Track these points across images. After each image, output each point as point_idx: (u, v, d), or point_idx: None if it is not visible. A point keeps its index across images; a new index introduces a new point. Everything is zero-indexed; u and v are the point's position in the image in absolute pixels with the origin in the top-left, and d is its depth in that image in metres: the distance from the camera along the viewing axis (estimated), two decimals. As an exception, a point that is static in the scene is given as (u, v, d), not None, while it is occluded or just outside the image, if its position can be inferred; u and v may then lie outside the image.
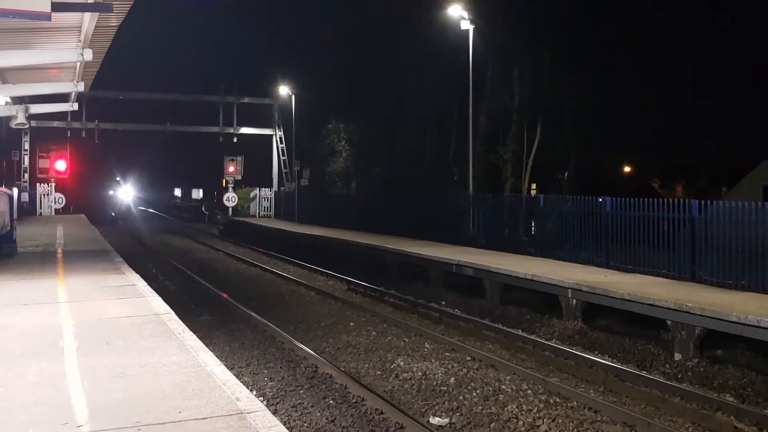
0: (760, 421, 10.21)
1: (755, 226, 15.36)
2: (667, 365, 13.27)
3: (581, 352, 14.00)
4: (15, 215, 25.24)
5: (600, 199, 20.03)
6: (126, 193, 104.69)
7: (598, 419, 10.30)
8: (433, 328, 16.68)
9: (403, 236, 29.52)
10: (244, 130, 54.74)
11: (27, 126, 29.78)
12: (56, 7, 8.97)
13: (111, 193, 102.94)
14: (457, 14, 32.06)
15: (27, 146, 47.34)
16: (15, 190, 28.52)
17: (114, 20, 12.41)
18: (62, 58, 13.92)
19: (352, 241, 29.85)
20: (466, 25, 31.64)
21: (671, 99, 62.56)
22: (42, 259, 21.15)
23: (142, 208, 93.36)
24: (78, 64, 15.03)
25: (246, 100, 54.75)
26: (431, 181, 44.63)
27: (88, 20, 12.10)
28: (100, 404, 7.16)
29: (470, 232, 26.34)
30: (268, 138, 56.15)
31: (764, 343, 12.09)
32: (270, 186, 56.34)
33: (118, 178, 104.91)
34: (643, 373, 12.56)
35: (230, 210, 53.61)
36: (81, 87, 18.14)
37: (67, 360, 8.99)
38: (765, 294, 14.49)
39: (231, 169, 54.45)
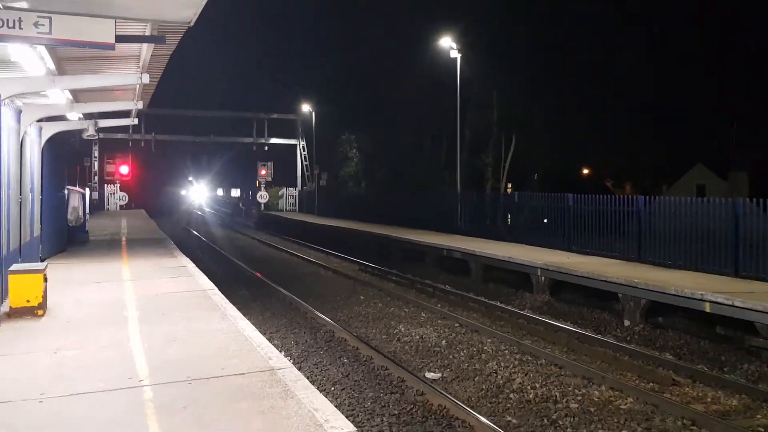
0: (693, 374, 10.28)
1: (688, 217, 15.46)
2: (618, 330, 13.32)
3: (549, 320, 14.07)
4: (87, 210, 25.34)
5: (564, 196, 20.08)
6: (199, 192, 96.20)
7: (562, 373, 10.35)
8: (428, 301, 16.74)
9: (403, 227, 29.53)
10: (274, 140, 54.96)
11: (96, 137, 29.85)
12: (119, 39, 9.01)
13: (183, 192, 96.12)
14: (447, 45, 32.50)
15: (96, 154, 47.52)
16: (87, 190, 28.57)
17: (166, 50, 12.46)
18: (125, 81, 13.95)
19: (362, 231, 29.89)
20: (455, 54, 32.14)
21: (623, 114, 62.52)
22: (109, 246, 21.25)
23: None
24: (137, 86, 15.06)
25: (275, 116, 55.05)
26: (426, 182, 44.68)
27: (145, 50, 12.13)
28: (157, 363, 7.25)
29: (458, 223, 26.37)
30: (293, 147, 56.29)
31: (696, 311, 12.13)
32: (295, 186, 56.53)
33: (190, 179, 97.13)
34: (599, 337, 12.66)
35: (262, 205, 53.93)
36: (140, 105, 18.14)
37: (130, 327, 9.08)
38: (697, 272, 14.56)
39: (263, 172, 55.07)
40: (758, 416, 8.57)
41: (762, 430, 8.02)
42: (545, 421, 8.40)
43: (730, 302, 11.29)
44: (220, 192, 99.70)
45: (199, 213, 70.85)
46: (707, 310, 11.75)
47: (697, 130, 64.00)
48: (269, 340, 9.22)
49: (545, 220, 21.00)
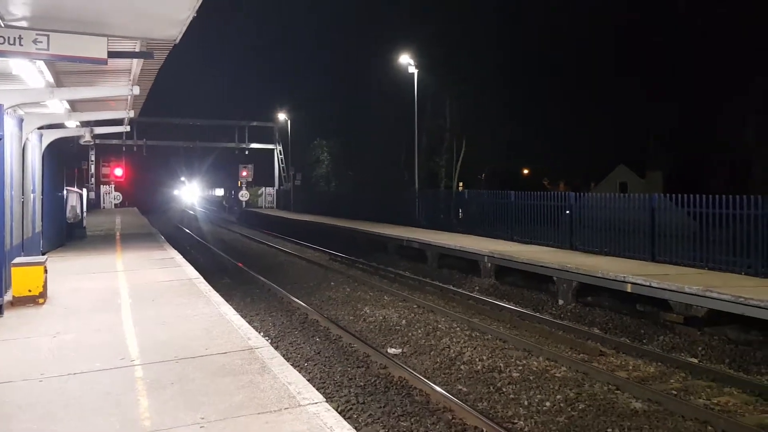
0: (617, 345, 10.45)
1: (612, 210, 15.71)
2: (553, 308, 13.45)
3: (494, 300, 14.17)
4: (84, 208, 24.89)
5: (507, 193, 20.24)
6: (191, 192, 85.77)
7: (506, 347, 10.43)
8: (390, 285, 16.72)
9: (369, 221, 29.52)
10: (254, 145, 54.65)
11: (92, 143, 29.24)
12: (111, 55, 8.87)
13: (176, 192, 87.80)
14: (406, 62, 32.73)
15: (93, 157, 46.66)
16: (84, 190, 28.03)
17: (155, 64, 12.30)
18: (117, 92, 13.71)
19: (332, 225, 29.79)
20: (412, 70, 32.41)
21: (558, 120, 63.40)
22: (105, 240, 20.89)
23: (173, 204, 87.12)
24: (129, 97, 14.81)
25: (254, 123, 54.73)
26: (388, 182, 44.82)
27: (135, 64, 11.95)
28: (147, 344, 7.15)
29: (417, 218, 26.43)
30: (271, 151, 55.96)
31: (619, 291, 12.32)
32: (272, 185, 56.18)
33: (182, 179, 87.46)
34: (537, 314, 12.77)
35: (244, 203, 53.58)
36: (132, 114, 17.90)
37: (123, 312, 8.95)
38: (620, 257, 14.79)
39: (244, 173, 54.79)
40: (671, 381, 8.75)
41: (675, 392, 8.19)
42: (491, 388, 8.47)
43: (648, 283, 11.50)
44: (210, 192, 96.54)
45: (190, 211, 69.54)
46: (629, 290, 11.94)
47: (620, 134, 65.10)
48: (249, 322, 9.16)
49: (491, 214, 21.15)
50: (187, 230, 38.98)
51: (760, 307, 9.47)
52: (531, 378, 8.82)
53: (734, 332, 10.42)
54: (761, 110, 42.20)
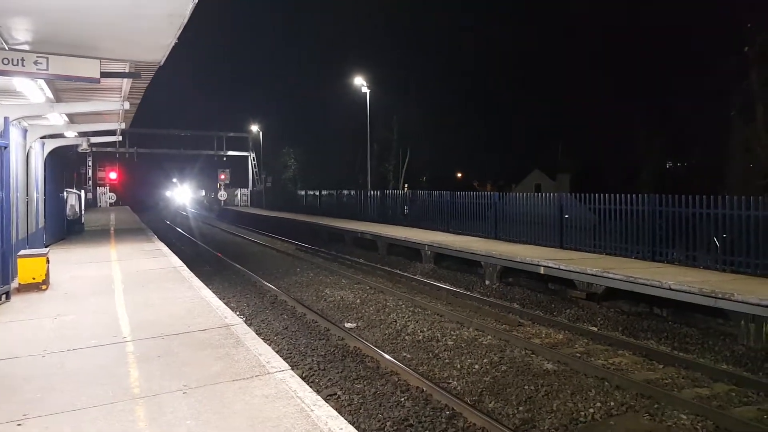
0: (533, 318, 10.62)
1: (529, 207, 15.96)
2: (481, 288, 13.58)
3: (433, 282, 14.23)
4: (83, 207, 24.10)
5: (443, 193, 20.41)
6: (183, 194, 75.16)
7: (443, 320, 10.52)
8: (346, 270, 16.69)
9: (329, 216, 29.40)
10: (230, 152, 54.11)
11: (89, 150, 28.33)
12: (103, 75, 8.61)
13: (168, 194, 79.34)
14: (359, 83, 32.65)
15: (90, 163, 45.26)
16: (82, 192, 27.10)
17: (142, 83, 11.99)
18: (110, 107, 13.30)
19: (298, 220, 29.54)
20: (365, 89, 32.31)
21: (484, 132, 64.58)
22: (101, 234, 20.26)
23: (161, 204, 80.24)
24: (120, 111, 14.39)
25: (231, 134, 54.25)
26: (345, 183, 44.77)
27: (125, 83, 11.62)
28: (137, 323, 6.99)
29: (369, 214, 26.43)
30: (245, 157, 55.40)
31: (534, 273, 12.50)
32: (247, 186, 55.52)
33: (174, 180, 78.89)
34: (468, 293, 12.88)
35: (222, 202, 52.75)
36: (123, 125, 17.36)
37: (116, 296, 8.71)
38: (535, 245, 15.05)
39: (222, 176, 54.16)
40: (576, 345, 8.97)
41: (579, 355, 8.39)
42: (430, 354, 8.54)
43: (557, 266, 11.73)
44: (199, 193, 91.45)
45: (179, 210, 67.53)
46: (542, 272, 12.16)
47: (534, 143, 66.70)
48: (226, 304, 9.01)
49: (431, 211, 21.30)
50: (172, 225, 38.09)
51: (646, 285, 9.79)
52: (463, 345, 8.91)
53: (626, 305, 10.75)
54: (647, 124, 43.71)
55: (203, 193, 75.07)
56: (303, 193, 38.22)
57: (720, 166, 29.64)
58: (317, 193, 34.14)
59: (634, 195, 12.65)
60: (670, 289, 9.35)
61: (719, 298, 8.64)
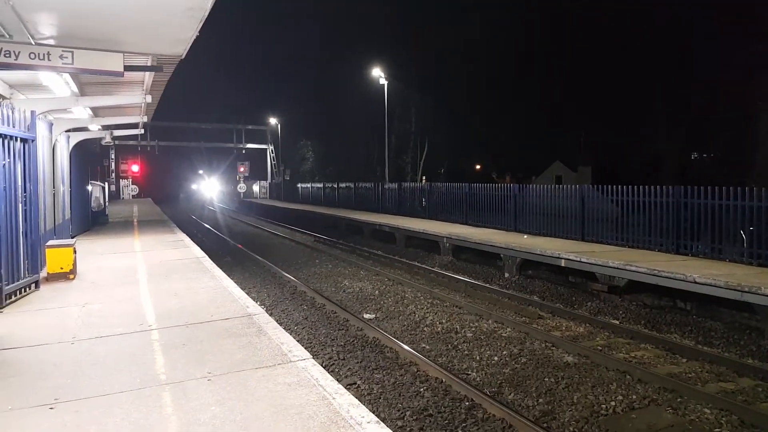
0: (553, 310, 10.61)
1: (549, 199, 15.85)
2: (501, 280, 13.60)
3: (452, 274, 14.24)
4: (107, 199, 24.52)
5: (461, 185, 20.34)
6: (210, 187, 68.07)
7: (461, 312, 10.54)
8: (365, 262, 16.78)
9: (347, 209, 29.52)
10: (250, 145, 54.35)
11: (112, 143, 28.72)
12: (126, 68, 8.73)
13: (194, 187, 74.13)
14: (377, 75, 32.56)
15: (113, 156, 45.98)
16: (106, 184, 27.58)
17: (164, 77, 12.12)
18: (132, 100, 13.49)
19: (316, 212, 29.72)
20: (383, 81, 32.23)
21: (505, 123, 64.09)
22: (124, 226, 20.59)
23: (182, 195, 76.50)
24: (143, 104, 14.58)
25: (250, 127, 54.48)
26: (363, 176, 44.83)
27: (147, 77, 11.75)
28: (161, 312, 7.11)
29: (387, 206, 26.47)
30: (264, 150, 55.66)
31: (555, 266, 12.47)
32: (266, 179, 55.87)
33: (201, 172, 73.23)
34: (487, 285, 12.89)
35: (241, 194, 53.17)
36: (145, 119, 17.65)
37: (141, 286, 8.86)
38: (556, 238, 14.98)
39: (241, 169, 54.62)
40: (597, 338, 8.93)
41: (600, 348, 8.36)
42: (449, 346, 8.57)
43: (578, 259, 11.66)
44: (221, 186, 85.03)
45: (203, 203, 66.96)
46: (563, 264, 12.09)
47: (557, 135, 65.99)
48: (247, 293, 9.13)
49: (449, 203, 21.25)
50: (195, 216, 38.56)
51: (669, 278, 9.69)
52: (482, 337, 8.92)
53: (649, 299, 10.66)
54: (671, 115, 43.01)
55: (221, 186, 75.10)
56: (321, 184, 38.28)
57: (747, 156, 29.07)
58: (335, 186, 34.26)
59: (658, 186, 12.48)
60: (695, 282, 9.24)
61: (745, 292, 8.52)
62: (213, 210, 48.74)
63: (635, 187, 13.00)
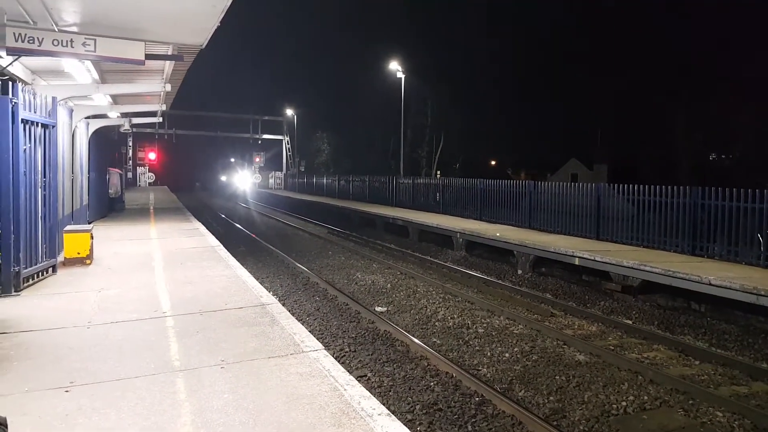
0: (565, 308, 10.52)
1: (564, 196, 15.71)
2: (513, 277, 13.53)
3: (464, 269, 14.21)
4: (124, 186, 24.76)
5: (476, 180, 20.23)
6: (244, 179, 54.60)
7: (473, 308, 10.51)
8: (377, 255, 16.77)
9: (361, 201, 29.54)
10: (265, 136, 54.54)
11: (130, 131, 28.99)
12: (147, 57, 8.79)
13: (223, 178, 65.37)
14: (394, 68, 32.48)
15: (131, 143, 46.43)
16: (123, 171, 27.85)
17: (184, 65, 12.19)
18: (152, 89, 13.58)
19: (330, 204, 29.77)
20: (400, 75, 32.16)
21: (521, 119, 63.66)
22: (140, 213, 20.79)
23: (198, 183, 71.40)
24: (162, 93, 14.67)
25: (266, 117, 54.61)
26: (378, 169, 44.83)
27: (168, 65, 11.83)
28: (176, 299, 7.17)
29: (401, 200, 26.44)
30: (280, 141, 55.81)
31: (569, 264, 12.39)
32: (281, 170, 56.03)
33: (232, 159, 65.13)
34: (500, 281, 12.81)
35: (257, 185, 53.36)
36: (164, 107, 17.74)
37: (156, 273, 8.94)
38: (570, 236, 14.87)
39: (257, 159, 54.70)
40: (610, 338, 8.86)
41: (612, 348, 8.30)
42: (460, 341, 8.55)
43: (592, 257, 11.57)
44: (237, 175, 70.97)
45: (208, 190, 64.86)
46: (576, 263, 12.02)
47: (572, 132, 65.41)
48: (261, 283, 9.16)
49: (463, 198, 21.16)
50: (210, 205, 38.80)
51: (684, 279, 9.59)
52: (493, 334, 8.89)
53: (663, 299, 10.56)
54: (690, 115, 42.44)
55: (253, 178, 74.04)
56: (335, 176, 38.31)
57: (766, 159, 28.60)
58: (349, 178, 34.29)
59: (675, 187, 12.34)
60: (710, 284, 9.13)
61: (761, 295, 8.41)
62: (227, 199, 48.75)
63: (652, 186, 12.86)
